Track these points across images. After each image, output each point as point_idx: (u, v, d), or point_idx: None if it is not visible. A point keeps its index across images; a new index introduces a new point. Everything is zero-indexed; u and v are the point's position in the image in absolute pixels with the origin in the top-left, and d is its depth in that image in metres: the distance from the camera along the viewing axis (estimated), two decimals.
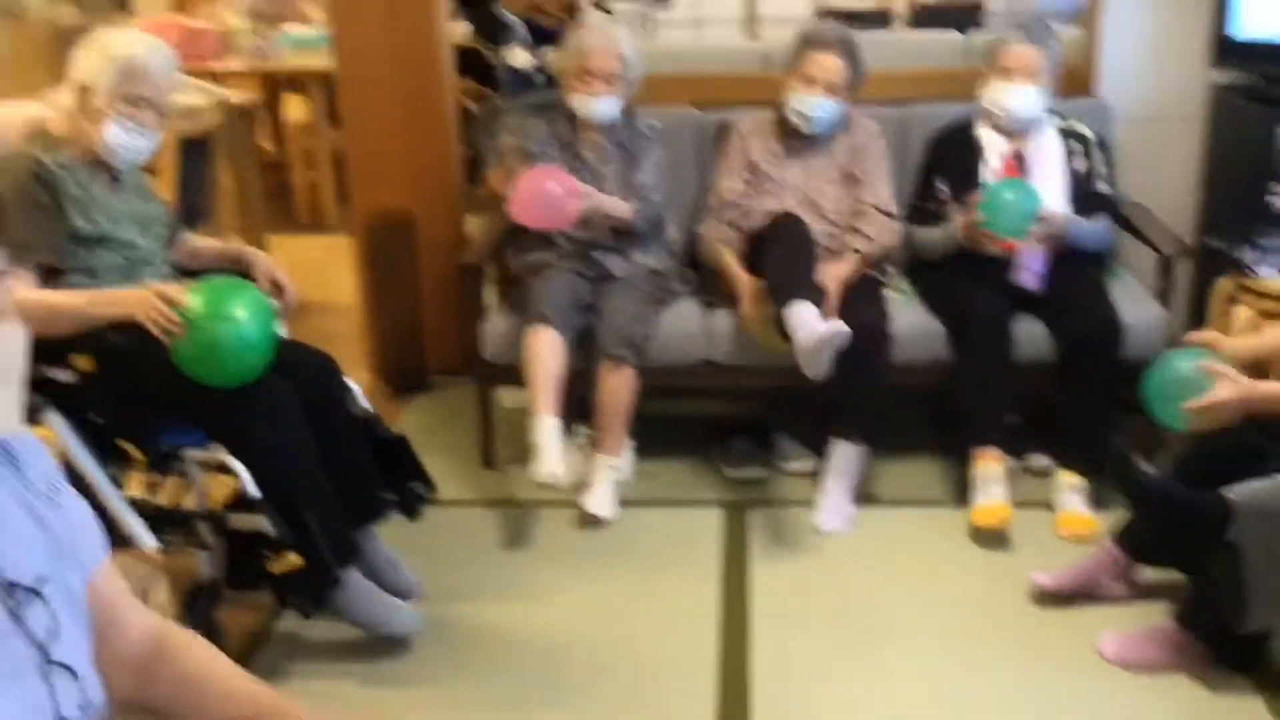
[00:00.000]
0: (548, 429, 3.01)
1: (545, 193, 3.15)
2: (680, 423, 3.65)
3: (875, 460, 3.25)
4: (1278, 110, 3.33)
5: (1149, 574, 2.72)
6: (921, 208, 3.37)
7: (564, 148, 3.38)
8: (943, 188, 3.33)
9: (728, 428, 3.43)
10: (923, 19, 6.59)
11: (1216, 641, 2.42)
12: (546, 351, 3.09)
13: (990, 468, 3.04)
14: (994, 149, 3.28)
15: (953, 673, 2.52)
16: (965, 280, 3.18)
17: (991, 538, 2.98)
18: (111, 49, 2.55)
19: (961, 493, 3.11)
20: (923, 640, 2.62)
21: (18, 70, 4.91)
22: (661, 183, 3.41)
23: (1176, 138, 3.73)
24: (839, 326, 2.89)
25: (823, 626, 2.68)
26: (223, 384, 2.43)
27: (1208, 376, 2.35)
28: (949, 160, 3.35)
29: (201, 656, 1.34)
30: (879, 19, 6.58)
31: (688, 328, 3.27)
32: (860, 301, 3.15)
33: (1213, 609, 2.39)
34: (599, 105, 3.32)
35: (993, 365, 3.08)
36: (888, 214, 3.30)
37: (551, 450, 2.98)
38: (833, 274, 3.15)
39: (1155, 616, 2.60)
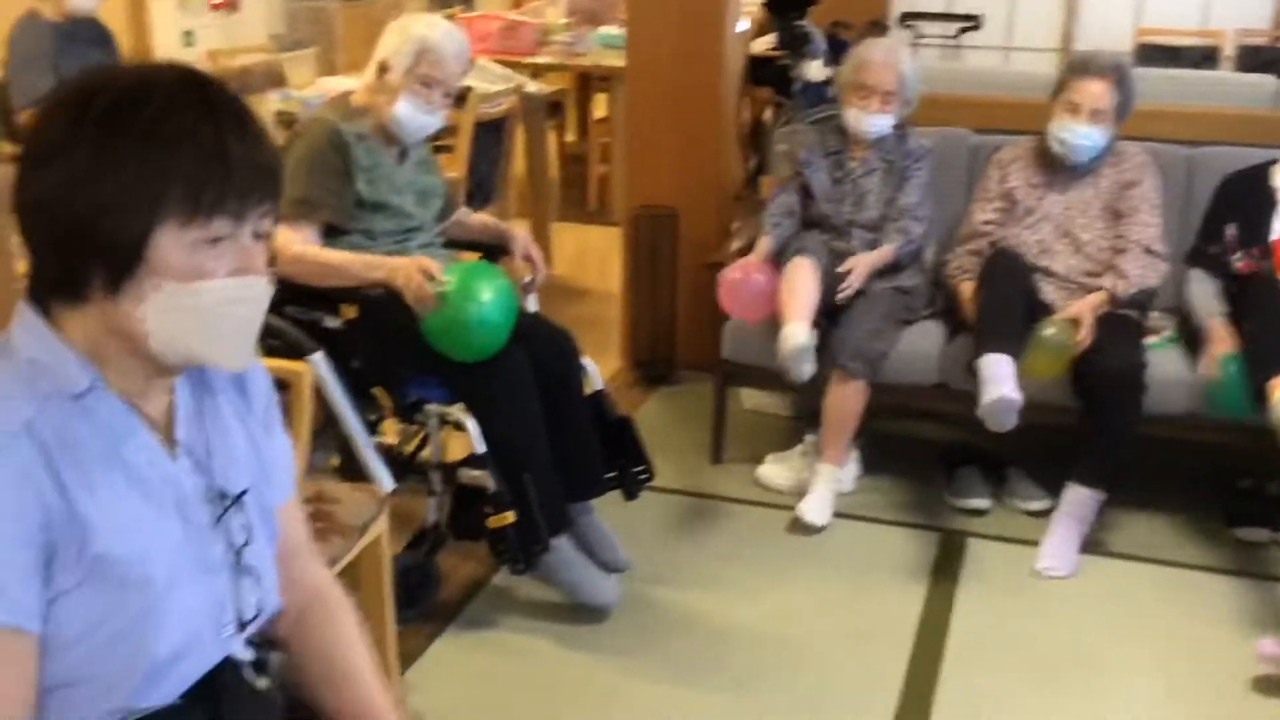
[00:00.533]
0: (799, 325, 3.07)
1: (750, 284, 3.22)
2: (910, 444, 3.62)
3: (1117, 509, 3.12)
4: None
5: None
6: (1203, 250, 3.20)
7: (830, 158, 3.43)
8: (1230, 232, 3.15)
9: (958, 455, 3.37)
10: (1250, 61, 6.18)
11: None
12: (803, 275, 3.16)
13: None
14: None
15: None
16: (1248, 304, 2.99)
17: (1233, 607, 2.81)
18: (411, 31, 2.79)
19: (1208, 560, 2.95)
20: (1124, 704, 2.51)
21: (349, 48, 5.38)
22: (926, 204, 3.39)
23: None
24: (1014, 399, 2.88)
25: (1020, 670, 2.61)
26: (462, 357, 2.63)
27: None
28: (1241, 205, 3.17)
29: (348, 632, 1.43)
30: (1205, 56, 6.23)
31: (925, 349, 3.24)
32: (1115, 343, 3.03)
33: None
34: (870, 121, 3.34)
35: None
36: (1154, 254, 3.16)
37: (799, 335, 3.05)
38: (1084, 308, 3.04)
39: None
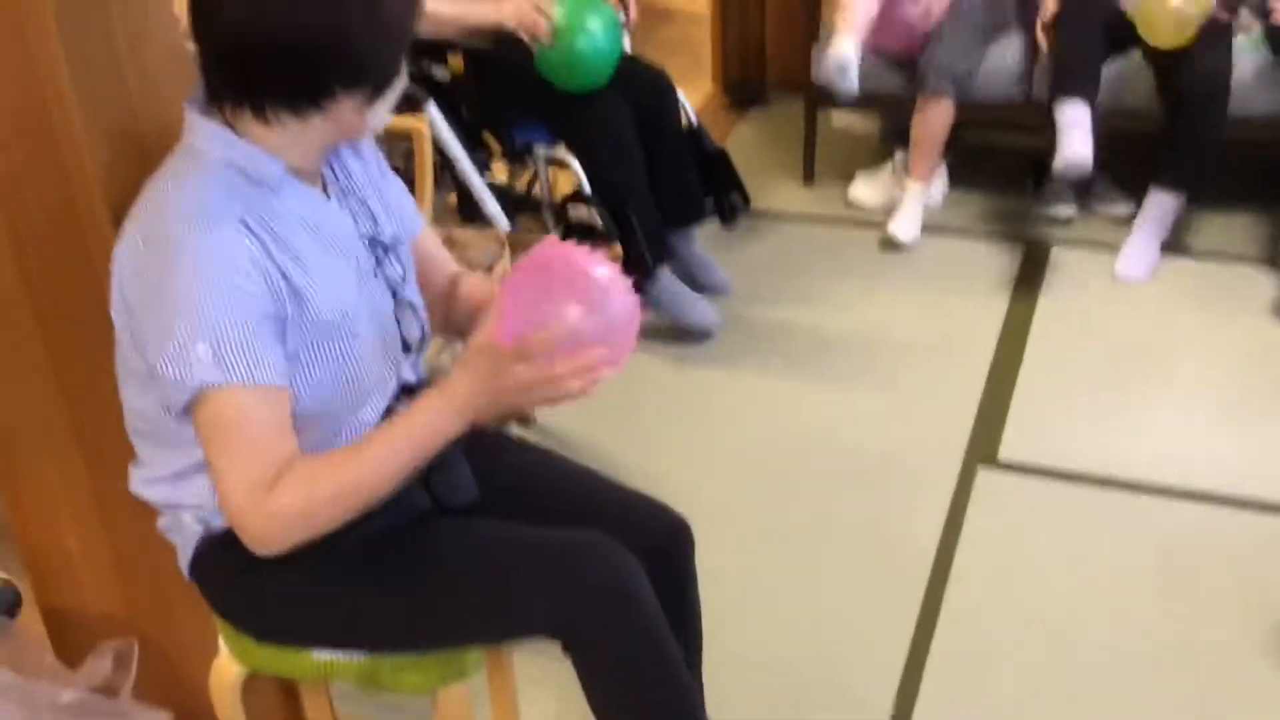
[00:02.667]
0: (845, 39, 3.17)
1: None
2: (997, 154, 3.72)
3: (1193, 211, 3.23)
4: None
5: None
6: None
7: None
8: None
9: (1045, 164, 3.46)
10: None
11: None
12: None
13: None
14: None
15: (1217, 435, 2.59)
16: None
17: None
18: None
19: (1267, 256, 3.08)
20: (1194, 398, 2.70)
21: None
22: None
23: None
24: (1086, 158, 2.95)
25: (1094, 369, 2.81)
26: (575, 88, 2.79)
27: None
28: None
29: (480, 289, 1.64)
30: None
31: (1011, 64, 3.29)
32: (1204, 47, 3.04)
33: None
34: None
35: None
36: None
37: (844, 49, 3.15)
38: None
39: None
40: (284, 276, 1.32)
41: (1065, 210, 3.38)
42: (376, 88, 1.33)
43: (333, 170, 1.47)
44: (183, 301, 1.26)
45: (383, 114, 1.37)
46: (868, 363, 2.88)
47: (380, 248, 1.48)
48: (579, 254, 1.35)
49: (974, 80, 3.26)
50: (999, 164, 3.66)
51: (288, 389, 1.32)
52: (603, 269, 1.34)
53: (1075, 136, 2.98)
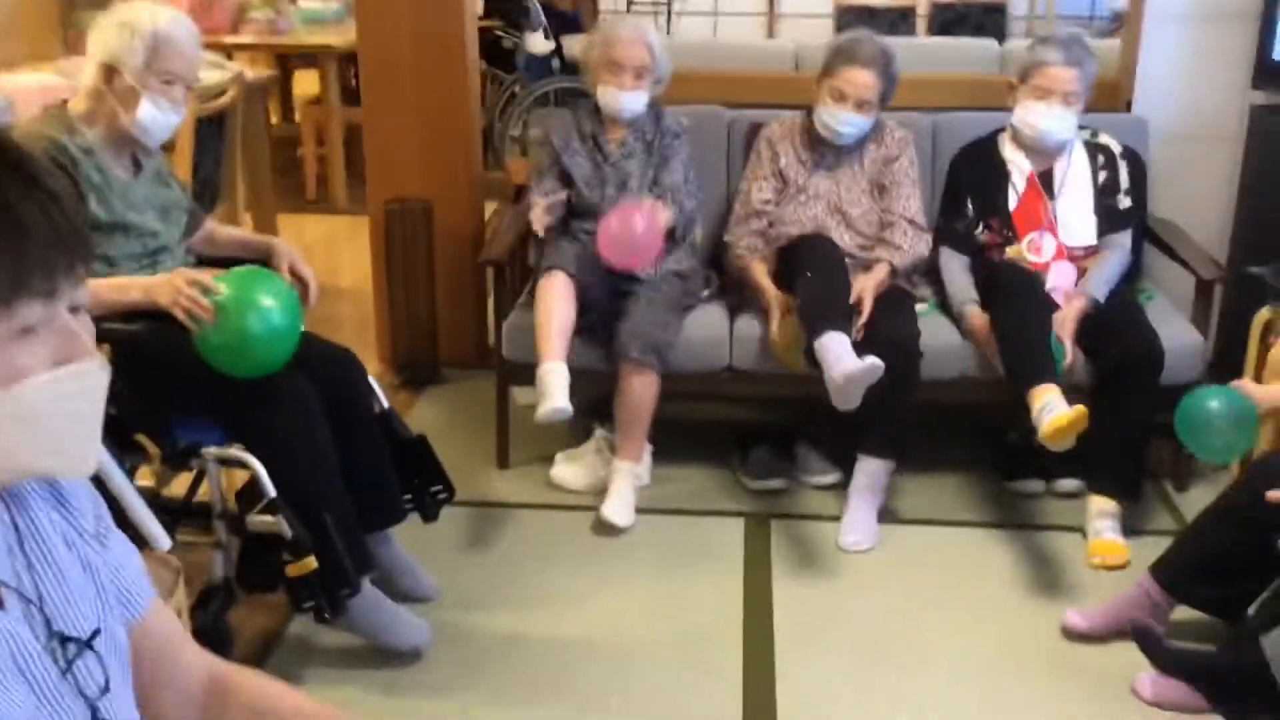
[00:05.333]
0: (554, 369, 2.97)
1: (633, 232, 3.04)
2: (700, 428, 3.59)
3: (898, 475, 3.19)
4: None
5: (1187, 612, 2.64)
6: (950, 227, 3.29)
7: (587, 141, 3.32)
8: (971, 206, 3.26)
9: (749, 436, 3.37)
10: (945, 18, 6.52)
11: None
12: (557, 297, 3.06)
13: (1047, 396, 2.81)
14: (1019, 169, 3.22)
15: (985, 708, 2.46)
16: (997, 294, 3.09)
17: (1022, 563, 2.93)
18: (137, 24, 2.46)
19: (983, 515, 3.07)
20: (951, 670, 2.56)
21: (19, 35, 4.79)
22: (693, 181, 3.34)
23: (1213, 157, 3.67)
24: (874, 363, 2.81)
25: (849, 648, 2.62)
26: (247, 374, 2.38)
27: (1245, 404, 2.39)
28: (976, 179, 3.27)
29: (267, 689, 1.27)
30: (901, 17, 6.51)
31: (711, 333, 3.21)
32: (890, 315, 3.08)
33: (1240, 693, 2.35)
34: (627, 99, 3.25)
35: (1032, 309, 2.97)
36: (918, 226, 3.23)
37: (558, 386, 2.94)
38: (866, 285, 3.08)
39: None
40: None
41: (775, 483, 3.26)
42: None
43: (13, 531, 1.03)
44: None
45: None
46: (613, 670, 2.54)
47: (73, 646, 1.04)
48: None
49: (674, 351, 3.14)
50: (703, 436, 3.53)
51: None
52: None
53: (848, 359, 2.86)
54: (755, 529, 3.10)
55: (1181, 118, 3.64)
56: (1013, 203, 3.21)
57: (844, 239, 3.21)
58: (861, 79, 3.13)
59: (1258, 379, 3.03)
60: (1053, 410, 2.78)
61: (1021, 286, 3.04)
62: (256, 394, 2.39)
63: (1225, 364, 3.20)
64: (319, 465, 2.43)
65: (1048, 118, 3.12)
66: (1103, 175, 3.23)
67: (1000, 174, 3.23)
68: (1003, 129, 3.28)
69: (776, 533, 3.08)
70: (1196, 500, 3.20)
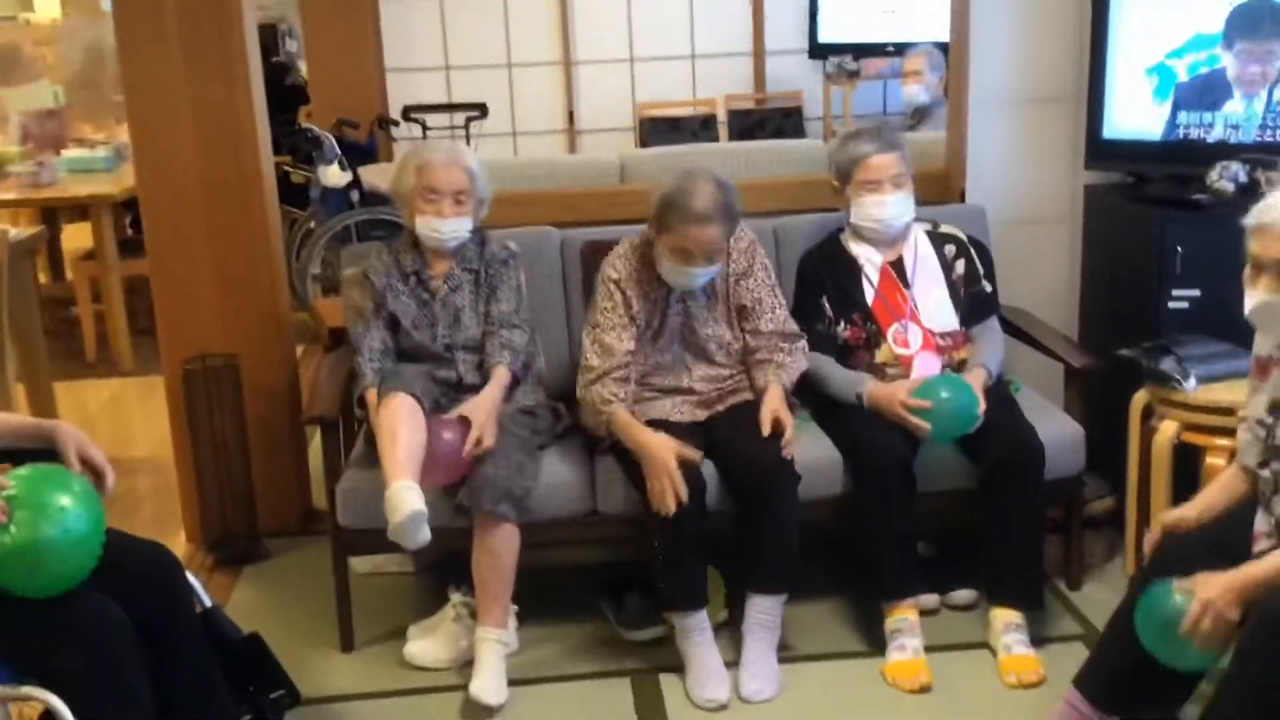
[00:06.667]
0: (406, 490, 2.64)
1: (442, 445, 2.75)
2: (563, 577, 3.26)
3: (790, 607, 2.91)
4: (1158, 209, 3.25)
5: None
6: (811, 330, 3.11)
7: (409, 279, 3.01)
8: (828, 306, 3.09)
9: (622, 581, 3.05)
10: (743, 124, 6.51)
11: None
12: (402, 421, 2.72)
13: (902, 619, 2.81)
14: (870, 263, 3.09)
15: None
16: (863, 474, 2.89)
17: (936, 689, 2.71)
18: None
19: (878, 642, 2.84)
20: None
21: None
22: (525, 309, 3.06)
23: (1052, 241, 3.65)
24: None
25: None
26: (43, 593, 1.97)
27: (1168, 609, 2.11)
28: (829, 278, 3.12)
29: None
30: (703, 125, 6.47)
31: (569, 474, 2.91)
32: (758, 438, 2.84)
33: None
34: (448, 227, 2.97)
35: (897, 508, 2.84)
36: (793, 336, 3.01)
37: (409, 503, 2.62)
38: (774, 408, 2.85)
39: None
40: None
41: (654, 631, 2.95)
42: None
43: None
44: None
45: None
46: None
47: None
48: None
49: (532, 497, 2.82)
50: (568, 588, 3.20)
51: None
52: None
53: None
54: (645, 687, 2.78)
55: (1017, 203, 3.60)
56: (870, 296, 3.07)
57: (706, 374, 2.98)
58: (706, 235, 2.84)
59: (1142, 463, 2.93)
60: (904, 649, 2.77)
61: (889, 471, 2.84)
62: (54, 626, 1.99)
63: (1103, 452, 3.10)
64: (131, 706, 2.01)
65: (886, 206, 3.03)
66: (961, 264, 3.13)
67: (852, 269, 3.09)
68: (841, 228, 3.15)
69: (669, 689, 2.76)
70: (1093, 598, 3.07)
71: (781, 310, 3.02)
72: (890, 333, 3.03)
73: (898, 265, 3.10)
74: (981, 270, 3.15)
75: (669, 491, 2.68)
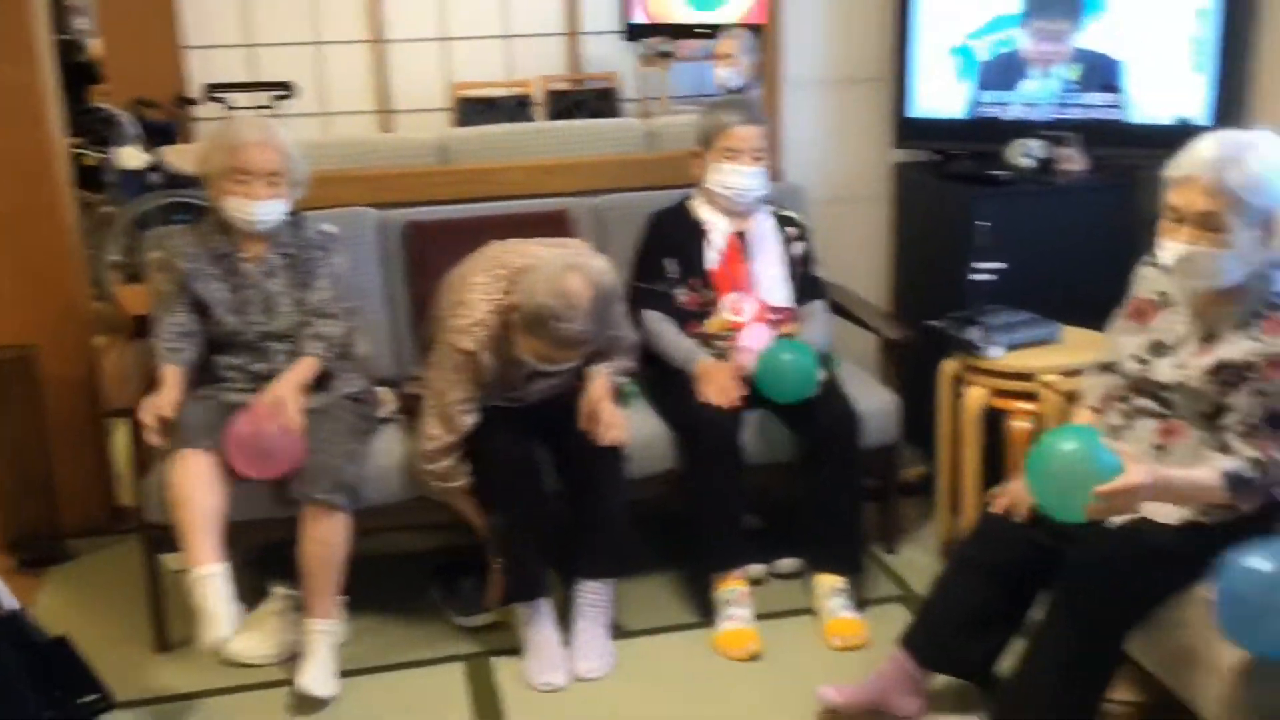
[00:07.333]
0: (213, 580, 2.53)
1: (264, 438, 2.65)
2: (391, 564, 3.20)
3: (622, 584, 2.93)
4: (963, 186, 3.38)
5: (942, 682, 2.55)
6: (650, 289, 3.13)
7: (220, 262, 2.88)
8: (672, 268, 3.12)
9: (451, 567, 3.01)
10: (560, 104, 6.49)
11: None
12: (196, 484, 2.60)
13: (732, 590, 2.86)
14: (719, 230, 3.13)
15: None
16: (692, 446, 2.93)
17: (766, 654, 2.76)
18: None
19: (709, 613, 2.88)
20: None
21: None
22: (343, 297, 2.96)
23: (866, 218, 3.75)
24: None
25: None
26: None
27: (1100, 460, 2.08)
28: (675, 240, 3.15)
29: None
30: (519, 106, 6.42)
31: (397, 459, 2.85)
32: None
33: (1025, 712, 2.27)
34: (261, 209, 2.85)
35: (724, 481, 2.89)
36: (632, 345, 3.01)
37: (221, 608, 2.51)
38: (592, 402, 2.84)
39: None
40: None
41: (480, 617, 2.92)
42: None
43: None
44: None
45: None
46: None
47: None
48: None
49: (363, 484, 2.76)
50: (395, 574, 3.14)
51: None
52: None
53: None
54: (478, 673, 2.75)
55: (832, 182, 3.70)
56: (713, 263, 3.10)
57: (536, 391, 2.91)
58: (574, 355, 2.70)
59: (953, 430, 3.05)
60: (733, 619, 2.81)
61: (717, 447, 2.89)
62: None
63: (916, 421, 3.21)
64: None
65: (741, 176, 3.08)
66: (800, 246, 3.21)
67: (699, 234, 3.13)
68: (690, 196, 3.19)
69: (503, 672, 2.74)
70: (909, 561, 3.18)
71: (627, 324, 3.01)
72: (727, 301, 3.07)
73: (742, 238, 3.14)
74: (816, 254, 3.23)
75: None
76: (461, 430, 2.75)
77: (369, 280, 3.21)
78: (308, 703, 2.60)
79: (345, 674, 2.69)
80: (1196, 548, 2.14)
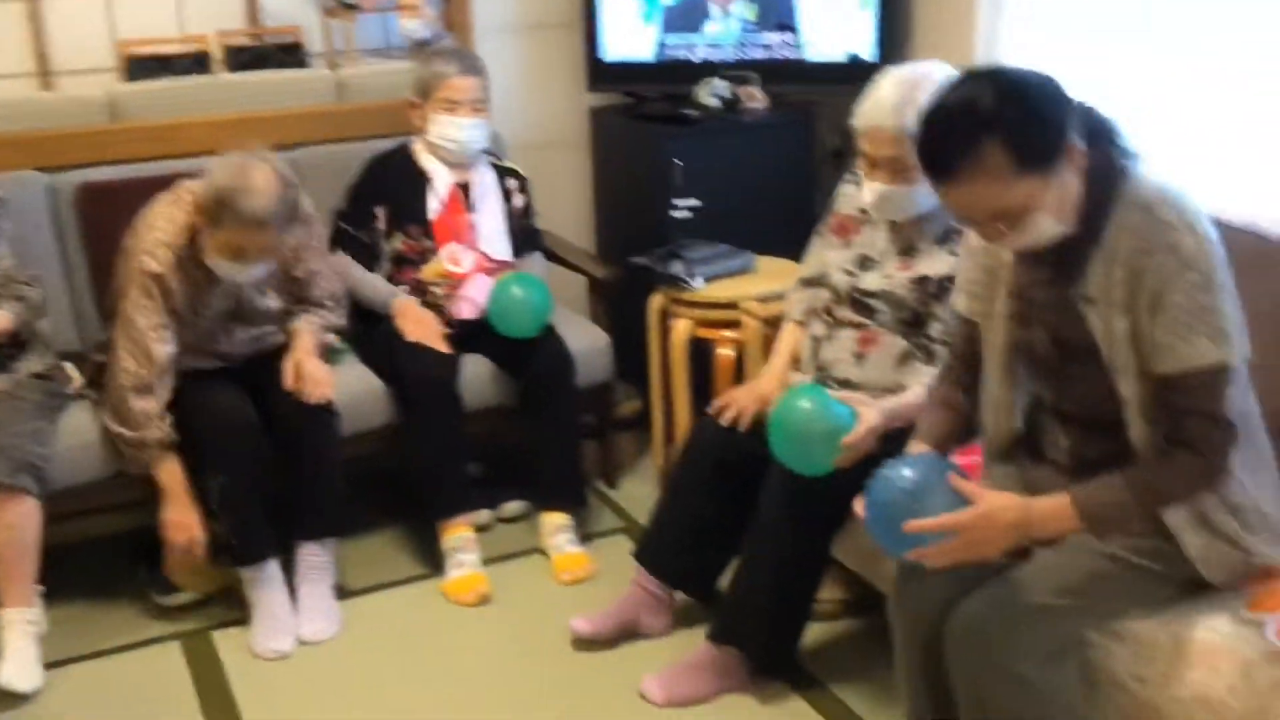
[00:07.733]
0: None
1: None
2: (92, 548, 3.01)
3: (341, 543, 2.88)
4: (657, 127, 3.47)
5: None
6: (355, 236, 3.06)
7: None
8: (381, 214, 3.05)
9: (152, 545, 2.85)
10: (241, 59, 6.17)
11: (753, 648, 2.41)
12: None
13: (459, 537, 2.87)
14: (442, 179, 3.08)
15: None
16: (407, 403, 2.91)
17: (489, 600, 2.78)
18: None
19: (438, 565, 2.88)
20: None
21: None
22: (20, 264, 2.75)
23: (567, 162, 3.79)
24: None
25: None
26: None
27: (834, 412, 2.17)
28: (393, 187, 3.09)
29: None
30: (196, 62, 6.06)
31: (90, 437, 2.68)
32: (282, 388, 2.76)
33: (745, 616, 2.39)
34: None
35: (444, 430, 2.89)
36: (339, 296, 2.95)
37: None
38: (294, 361, 2.78)
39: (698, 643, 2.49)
40: None
41: (180, 596, 2.80)
42: None
43: None
44: None
45: None
46: None
47: None
48: None
49: (51, 465, 2.58)
50: (92, 555, 2.96)
51: None
52: None
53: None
54: (198, 648, 2.65)
55: (530, 127, 3.71)
56: (433, 212, 3.05)
57: (239, 343, 2.82)
58: (263, 240, 2.59)
59: (663, 363, 3.15)
60: (461, 565, 2.82)
61: (434, 396, 2.88)
62: None
63: (628, 358, 3.28)
64: None
65: (462, 128, 3.04)
66: (520, 199, 3.22)
67: (420, 182, 3.08)
68: (411, 141, 3.13)
69: (224, 645, 2.65)
70: (629, 492, 3.28)
71: (331, 274, 2.93)
72: (445, 251, 3.03)
73: (464, 188, 3.10)
74: (535, 206, 3.24)
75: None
76: (158, 361, 2.61)
77: (43, 249, 2.99)
78: (10, 698, 2.42)
79: (50, 665, 2.53)
80: (885, 450, 2.31)
